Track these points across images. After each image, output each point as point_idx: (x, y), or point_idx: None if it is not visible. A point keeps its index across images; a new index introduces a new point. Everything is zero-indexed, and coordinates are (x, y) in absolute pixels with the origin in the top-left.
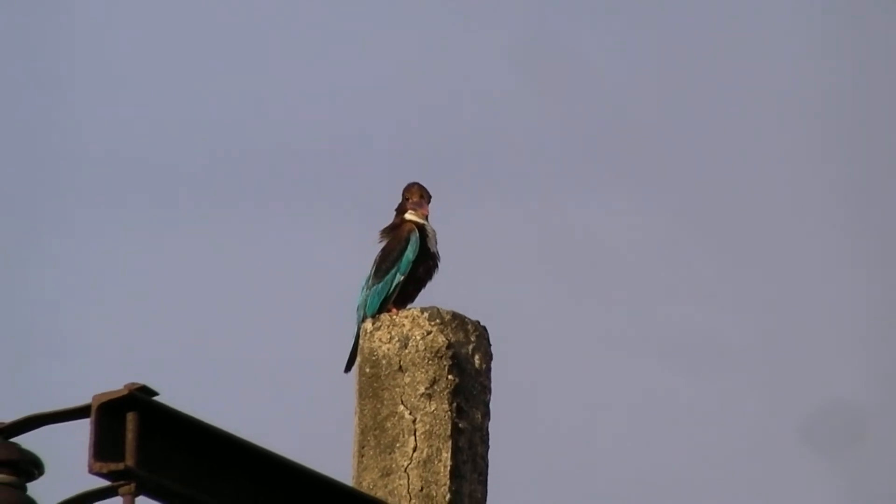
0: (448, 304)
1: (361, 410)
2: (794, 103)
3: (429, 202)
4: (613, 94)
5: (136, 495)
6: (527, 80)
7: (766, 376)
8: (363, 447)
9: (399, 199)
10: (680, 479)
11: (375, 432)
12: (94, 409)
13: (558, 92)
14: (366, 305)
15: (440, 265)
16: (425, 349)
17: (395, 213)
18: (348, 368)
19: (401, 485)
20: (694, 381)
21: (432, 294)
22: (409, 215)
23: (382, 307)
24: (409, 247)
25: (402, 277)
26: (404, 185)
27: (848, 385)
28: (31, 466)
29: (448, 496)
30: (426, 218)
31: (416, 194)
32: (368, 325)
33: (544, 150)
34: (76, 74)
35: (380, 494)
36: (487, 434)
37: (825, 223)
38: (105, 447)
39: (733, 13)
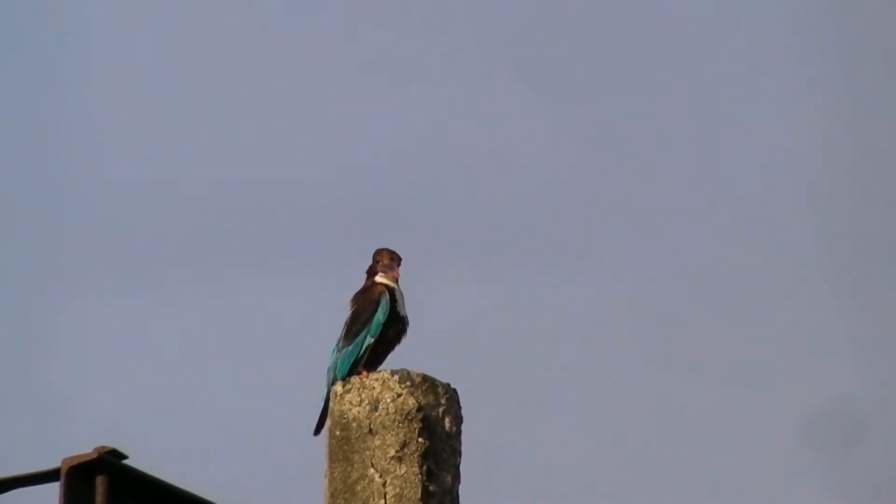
0: (418, 366)
1: (332, 473)
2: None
3: (399, 265)
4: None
5: None
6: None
7: (766, 376)
8: None
9: (369, 262)
10: (679, 480)
11: (346, 495)
12: (63, 472)
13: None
14: (336, 368)
15: (409, 329)
16: (395, 412)
17: (365, 275)
18: (318, 431)
19: None
20: (693, 381)
21: (402, 357)
22: (379, 278)
23: (353, 369)
24: (380, 309)
25: (373, 340)
26: (375, 245)
27: (848, 385)
28: None
29: None
30: (396, 280)
31: (387, 257)
32: (339, 387)
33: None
34: (63, 131)
35: None
36: (458, 497)
37: (824, 220)
38: None
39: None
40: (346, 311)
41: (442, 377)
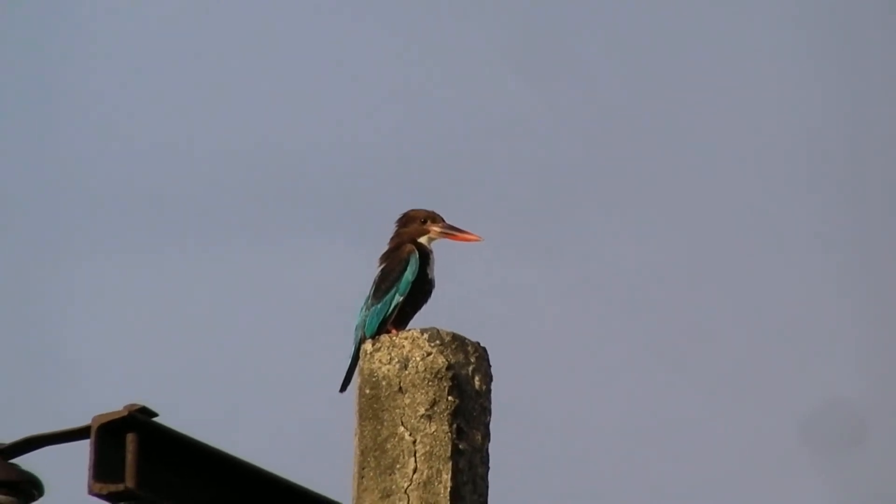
0: (448, 324)
1: (361, 432)
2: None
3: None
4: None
5: None
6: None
7: (766, 377)
8: (363, 468)
9: (394, 225)
10: (680, 480)
11: (375, 453)
12: (93, 430)
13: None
14: (364, 325)
15: (434, 292)
16: (425, 370)
17: (397, 235)
18: (344, 388)
19: None
20: (693, 382)
21: (436, 314)
22: (426, 238)
23: (381, 328)
24: (409, 268)
25: (402, 298)
26: (403, 202)
27: (848, 385)
28: (30, 487)
29: None
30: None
31: (438, 218)
32: (368, 345)
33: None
34: (80, 99)
35: None
36: (488, 455)
37: (824, 220)
38: (105, 468)
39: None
40: (374, 270)
41: (472, 335)
